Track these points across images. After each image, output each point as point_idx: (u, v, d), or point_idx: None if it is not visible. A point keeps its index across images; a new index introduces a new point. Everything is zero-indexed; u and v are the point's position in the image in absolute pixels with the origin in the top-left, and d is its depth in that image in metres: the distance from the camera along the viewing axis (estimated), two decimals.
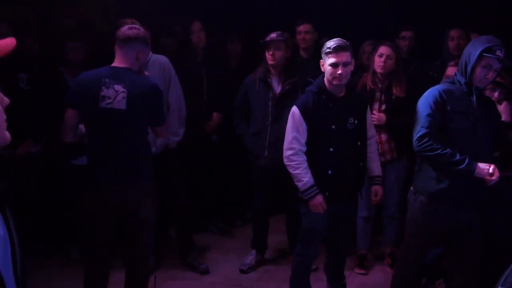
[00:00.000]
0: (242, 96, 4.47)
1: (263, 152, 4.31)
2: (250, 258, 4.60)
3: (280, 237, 4.85)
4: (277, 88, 4.29)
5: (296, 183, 3.49)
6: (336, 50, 3.33)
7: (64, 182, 4.65)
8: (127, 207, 3.23)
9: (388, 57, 4.20)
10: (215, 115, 4.98)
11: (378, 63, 4.23)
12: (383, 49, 4.23)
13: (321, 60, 3.45)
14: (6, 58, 1.38)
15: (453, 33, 4.79)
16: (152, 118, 3.29)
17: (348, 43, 3.40)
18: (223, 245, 5.08)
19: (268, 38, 4.19)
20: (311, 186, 3.46)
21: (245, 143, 4.48)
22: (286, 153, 3.51)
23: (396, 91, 4.22)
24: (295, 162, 3.47)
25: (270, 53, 4.20)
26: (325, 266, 3.99)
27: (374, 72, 4.28)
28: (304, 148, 3.49)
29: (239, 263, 4.59)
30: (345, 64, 3.36)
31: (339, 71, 3.35)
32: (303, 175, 3.46)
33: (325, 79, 3.47)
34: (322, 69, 3.46)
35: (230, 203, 5.52)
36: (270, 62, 4.22)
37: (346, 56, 3.36)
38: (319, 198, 3.46)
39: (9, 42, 1.40)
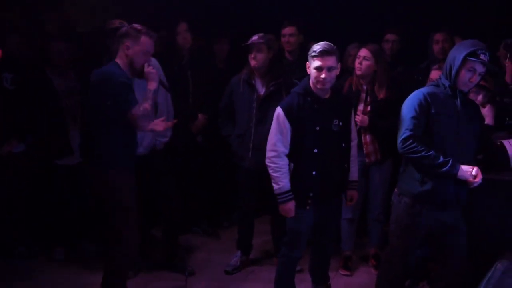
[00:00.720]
0: (227, 97, 4.47)
1: (247, 153, 4.32)
2: (235, 259, 4.60)
3: (265, 238, 4.86)
4: (261, 90, 4.29)
5: (273, 184, 3.53)
6: (321, 54, 3.35)
7: (46, 182, 4.63)
8: None
9: (364, 58, 4.21)
10: (201, 116, 4.97)
11: (356, 65, 4.27)
12: (361, 51, 4.26)
13: (307, 62, 3.46)
14: None
15: (438, 36, 4.83)
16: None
17: (334, 47, 3.41)
18: (208, 246, 5.07)
19: (249, 41, 4.19)
20: (287, 191, 3.50)
21: (230, 145, 4.48)
22: (269, 154, 3.53)
23: (378, 93, 4.25)
24: (275, 165, 3.49)
25: (252, 55, 4.20)
26: (309, 267, 4.00)
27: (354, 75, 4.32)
28: (287, 151, 3.50)
29: (225, 264, 4.58)
30: (329, 69, 3.38)
31: (323, 75, 3.37)
32: (281, 179, 3.48)
33: (310, 81, 3.48)
34: (308, 71, 3.48)
35: (215, 204, 5.51)
36: (252, 64, 4.22)
37: (331, 61, 3.37)
38: (291, 205, 3.51)
39: None
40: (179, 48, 4.93)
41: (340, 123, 3.54)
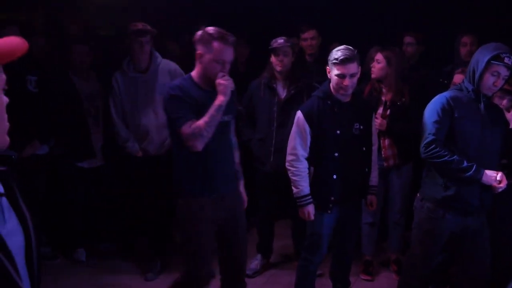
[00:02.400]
0: (247, 101, 4.46)
1: (268, 157, 4.31)
2: (256, 262, 4.59)
3: (285, 241, 4.85)
4: (282, 93, 4.28)
5: (292, 188, 3.53)
6: (343, 62, 3.32)
7: (69, 184, 4.67)
8: None
9: (377, 61, 4.21)
10: None
11: (372, 68, 4.27)
12: (377, 55, 4.26)
13: (328, 67, 3.44)
14: (16, 60, 1.38)
15: (465, 39, 4.76)
16: None
17: (355, 52, 3.37)
18: None
19: (276, 44, 4.17)
20: (306, 195, 3.49)
21: (251, 149, 4.48)
22: (288, 157, 3.53)
23: (385, 96, 4.23)
24: (295, 169, 3.49)
25: (279, 59, 4.18)
26: (330, 272, 3.98)
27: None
28: (307, 154, 3.50)
29: (245, 267, 4.57)
30: (351, 76, 3.36)
31: (346, 83, 3.36)
32: (300, 182, 3.48)
33: (331, 84, 3.47)
34: (329, 76, 3.46)
35: None
36: (278, 68, 4.21)
37: (353, 68, 3.35)
38: (310, 208, 3.49)
39: (20, 43, 1.40)
40: None
41: (361, 127, 3.51)
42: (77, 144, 4.58)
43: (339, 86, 3.38)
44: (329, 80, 3.48)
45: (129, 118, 4.31)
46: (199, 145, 2.94)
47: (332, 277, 3.97)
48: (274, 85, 4.29)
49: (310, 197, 3.50)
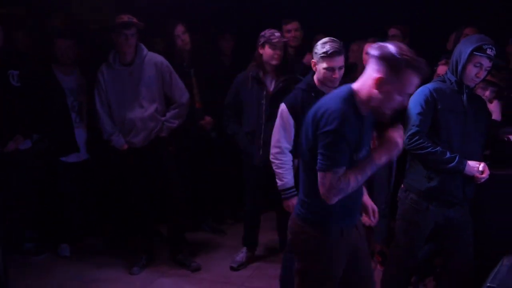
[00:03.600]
0: (232, 95, 4.43)
1: (257, 151, 4.28)
2: (241, 255, 4.60)
3: (270, 234, 4.85)
4: (271, 86, 4.26)
5: (277, 181, 3.54)
6: (332, 55, 3.33)
7: (53, 178, 4.64)
8: None
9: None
10: (207, 117, 4.96)
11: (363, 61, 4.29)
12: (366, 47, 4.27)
13: (313, 60, 3.44)
14: None
15: (468, 31, 4.75)
16: None
17: (341, 45, 3.39)
18: (214, 243, 5.07)
19: (275, 38, 4.11)
20: (290, 188, 3.51)
21: (238, 143, 4.46)
22: (273, 150, 3.54)
23: None
24: (279, 161, 3.51)
25: (278, 53, 4.13)
26: None
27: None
28: (291, 147, 3.50)
29: (230, 260, 4.58)
30: (340, 68, 3.39)
31: (335, 76, 3.37)
32: (285, 175, 3.50)
33: (315, 77, 3.47)
34: (314, 68, 3.46)
35: (220, 201, 5.51)
36: (274, 62, 4.14)
37: (341, 61, 3.37)
38: (294, 201, 3.48)
39: None
40: (179, 50, 4.85)
41: None
42: (61, 139, 4.55)
43: (327, 79, 3.39)
44: (313, 73, 3.48)
45: (115, 111, 4.28)
46: (334, 200, 2.39)
47: None
48: (263, 78, 4.26)
49: (294, 189, 3.51)
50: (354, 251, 2.68)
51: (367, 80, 2.35)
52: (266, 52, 4.15)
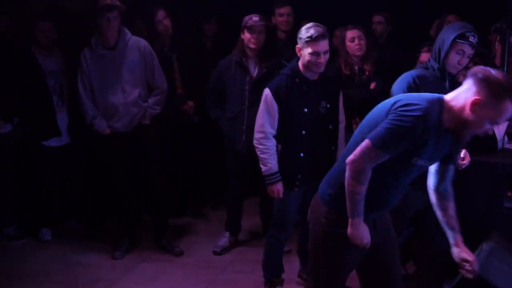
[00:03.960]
0: (215, 80, 4.39)
1: (240, 136, 4.27)
2: (224, 240, 4.62)
3: (253, 219, 4.87)
4: (254, 72, 4.23)
5: (261, 166, 3.54)
6: (317, 39, 3.31)
7: (35, 163, 4.60)
8: None
9: (359, 37, 4.27)
10: (190, 102, 4.92)
11: (353, 47, 4.28)
12: (351, 33, 4.30)
13: (298, 46, 3.43)
14: None
15: (451, 18, 4.77)
16: None
17: (325, 29, 3.38)
18: (197, 228, 5.08)
19: (252, 22, 4.08)
20: (274, 173, 3.52)
21: (221, 128, 4.45)
22: (256, 135, 3.53)
23: (368, 70, 4.32)
24: (263, 146, 3.50)
25: (255, 36, 4.11)
26: (298, 248, 4.02)
27: (348, 57, 4.33)
28: (275, 132, 3.50)
29: (213, 245, 4.60)
30: (325, 52, 3.38)
31: (320, 60, 3.36)
32: (269, 160, 3.50)
33: (299, 62, 3.46)
34: (299, 54, 3.44)
35: (204, 186, 5.51)
36: (252, 46, 4.12)
37: (326, 45, 3.36)
38: (278, 186, 3.53)
39: None
40: (161, 35, 4.77)
41: (328, 105, 3.53)
42: (42, 122, 4.50)
43: (312, 64, 3.38)
44: (297, 58, 3.47)
45: (97, 96, 4.24)
46: (348, 173, 2.41)
47: (299, 253, 4.01)
48: (246, 63, 4.23)
49: (278, 174, 3.52)
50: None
51: (460, 98, 2.27)
52: (246, 36, 4.13)
